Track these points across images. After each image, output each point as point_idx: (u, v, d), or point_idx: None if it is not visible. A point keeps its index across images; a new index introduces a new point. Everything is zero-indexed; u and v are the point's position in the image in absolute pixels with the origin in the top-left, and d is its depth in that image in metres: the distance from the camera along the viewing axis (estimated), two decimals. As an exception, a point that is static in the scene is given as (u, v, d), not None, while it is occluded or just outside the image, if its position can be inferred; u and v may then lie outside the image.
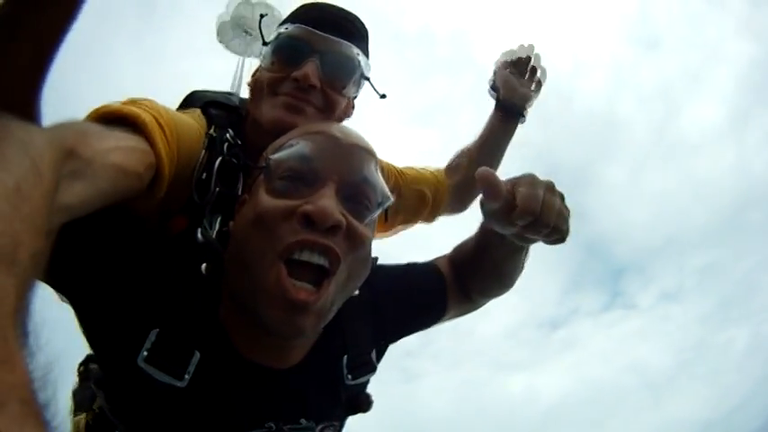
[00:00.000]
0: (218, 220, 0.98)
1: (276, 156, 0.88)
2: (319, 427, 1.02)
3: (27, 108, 0.68)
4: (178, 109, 1.21)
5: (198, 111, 1.12)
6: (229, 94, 1.29)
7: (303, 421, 0.98)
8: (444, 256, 1.26)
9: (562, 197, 0.89)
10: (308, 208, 0.80)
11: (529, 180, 0.86)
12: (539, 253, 1.12)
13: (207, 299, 0.90)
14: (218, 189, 1.00)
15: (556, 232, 0.87)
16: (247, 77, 1.28)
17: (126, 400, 0.92)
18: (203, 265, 0.91)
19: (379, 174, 0.92)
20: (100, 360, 0.95)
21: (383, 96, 1.26)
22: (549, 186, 0.87)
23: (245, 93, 1.28)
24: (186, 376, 0.85)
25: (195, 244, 0.93)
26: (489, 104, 1.52)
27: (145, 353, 0.83)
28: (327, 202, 0.80)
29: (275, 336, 0.87)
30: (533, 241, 0.96)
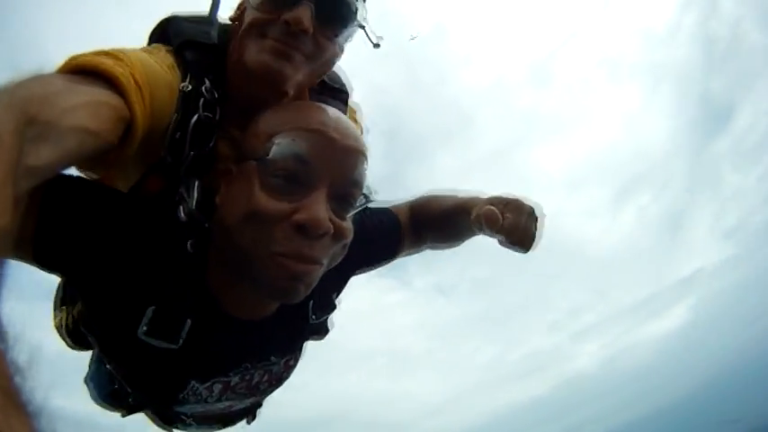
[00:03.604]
0: (196, 184, 0.97)
1: (272, 154, 0.89)
2: (284, 360, 1.19)
3: None
4: (151, 40, 1.13)
5: (172, 58, 1.04)
6: (208, 22, 1.15)
7: (273, 358, 1.15)
8: (405, 205, 1.41)
9: (536, 219, 1.09)
10: (301, 218, 0.86)
11: (516, 207, 1.09)
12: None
13: (195, 272, 0.98)
14: (192, 153, 0.98)
15: (524, 248, 1.10)
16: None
17: (120, 352, 1.04)
18: (189, 243, 0.96)
19: (366, 173, 0.96)
20: (100, 327, 1.03)
21: (377, 46, 1.17)
22: (531, 213, 1.09)
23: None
24: (180, 340, 0.96)
25: (178, 223, 0.95)
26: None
27: (144, 328, 0.94)
28: (319, 211, 0.87)
29: (273, 299, 1.02)
30: None
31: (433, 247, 1.45)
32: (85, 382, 1.42)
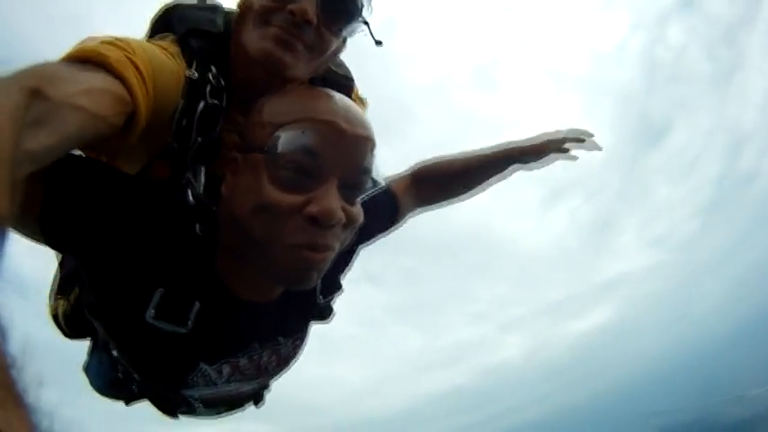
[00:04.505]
0: (203, 170, 0.98)
1: (281, 147, 0.87)
2: (291, 341, 1.20)
3: None
4: (153, 27, 1.12)
5: (176, 46, 1.03)
6: (213, 9, 1.15)
7: (280, 338, 1.16)
8: (404, 177, 1.47)
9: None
10: (313, 210, 0.85)
11: (562, 131, 1.50)
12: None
13: (203, 254, 0.97)
14: (199, 139, 0.98)
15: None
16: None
17: (127, 337, 1.02)
18: (197, 226, 0.96)
19: (375, 159, 0.97)
20: (107, 311, 1.00)
21: (379, 43, 1.17)
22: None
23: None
24: (189, 323, 0.95)
25: (186, 206, 0.95)
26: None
27: (152, 311, 0.93)
28: (332, 202, 0.86)
29: (286, 286, 1.02)
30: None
31: (441, 200, 1.57)
32: (84, 371, 1.39)
